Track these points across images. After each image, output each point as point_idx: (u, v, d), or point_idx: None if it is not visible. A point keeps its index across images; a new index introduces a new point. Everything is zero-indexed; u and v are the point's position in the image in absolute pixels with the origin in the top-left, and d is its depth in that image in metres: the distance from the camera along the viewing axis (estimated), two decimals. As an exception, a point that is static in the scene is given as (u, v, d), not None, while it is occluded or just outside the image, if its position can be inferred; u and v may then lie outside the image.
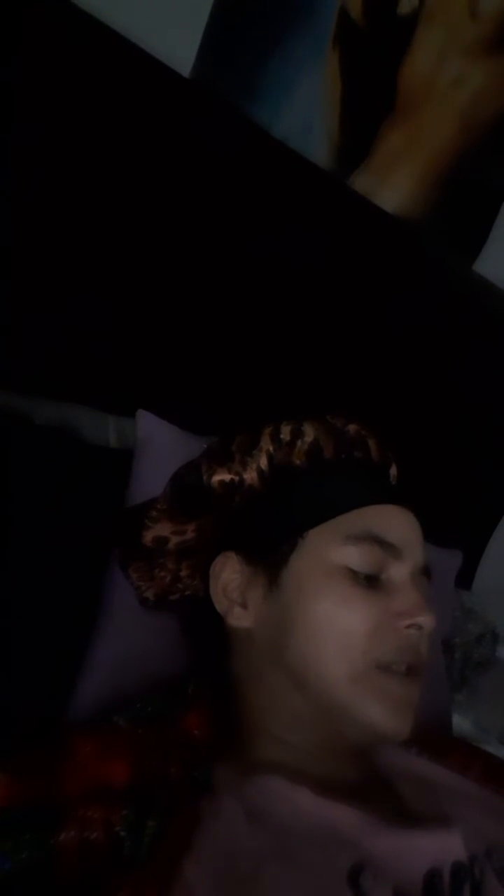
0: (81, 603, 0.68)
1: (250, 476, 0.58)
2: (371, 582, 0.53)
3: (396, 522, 0.56)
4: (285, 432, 0.59)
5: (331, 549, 0.54)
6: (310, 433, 0.59)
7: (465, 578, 1.19)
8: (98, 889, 0.41)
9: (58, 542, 0.69)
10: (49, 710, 0.62)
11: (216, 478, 0.58)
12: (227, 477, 0.58)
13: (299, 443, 0.59)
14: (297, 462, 0.59)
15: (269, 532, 0.57)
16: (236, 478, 0.58)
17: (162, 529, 0.62)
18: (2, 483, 0.68)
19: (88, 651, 0.66)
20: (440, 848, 0.48)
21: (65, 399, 0.80)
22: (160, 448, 0.77)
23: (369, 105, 0.99)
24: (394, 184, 1.04)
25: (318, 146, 0.96)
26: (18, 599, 0.65)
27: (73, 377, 0.82)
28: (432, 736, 0.64)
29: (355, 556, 0.53)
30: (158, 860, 0.42)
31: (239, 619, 0.56)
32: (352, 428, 0.62)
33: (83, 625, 0.68)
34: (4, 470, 0.69)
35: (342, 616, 0.52)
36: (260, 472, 0.58)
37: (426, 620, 0.52)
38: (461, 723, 0.99)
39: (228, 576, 0.58)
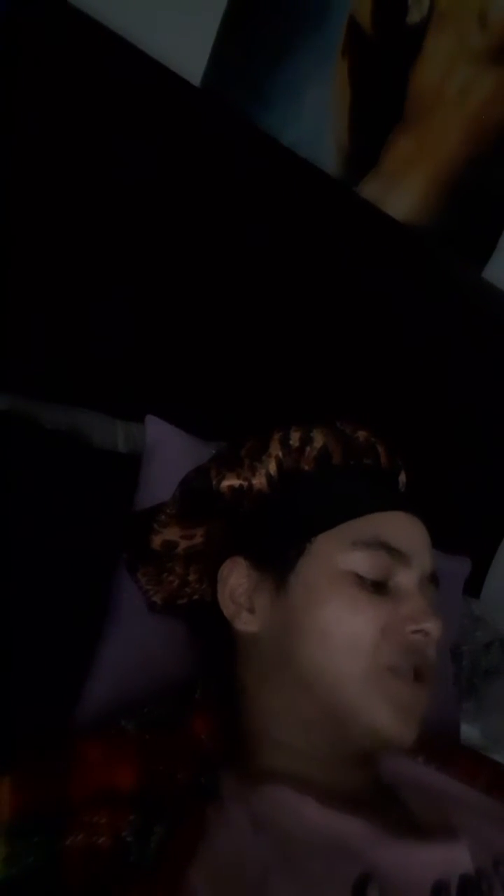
0: (88, 607, 0.68)
1: (259, 481, 0.58)
2: (378, 588, 0.53)
3: (404, 529, 0.56)
4: (294, 438, 0.59)
5: (339, 554, 0.54)
6: (319, 439, 0.59)
7: (473, 586, 1.18)
8: (104, 894, 0.40)
9: (65, 546, 0.69)
10: (56, 715, 0.62)
11: (225, 483, 0.58)
12: (236, 482, 0.58)
13: (308, 448, 0.59)
14: (306, 468, 0.59)
15: (277, 537, 0.57)
16: (245, 483, 0.58)
17: (171, 534, 0.62)
18: (10, 486, 0.68)
19: (95, 656, 0.66)
20: (447, 860, 0.47)
21: (74, 403, 0.80)
22: (168, 453, 0.77)
23: (378, 113, 0.99)
24: (402, 191, 1.04)
25: (327, 154, 0.96)
26: (26, 603, 0.65)
27: (82, 382, 0.82)
28: (439, 745, 0.64)
29: (363, 562, 0.53)
30: (165, 866, 0.42)
31: (246, 623, 0.56)
32: (361, 435, 0.62)
33: (90, 629, 0.68)
34: (13, 473, 0.69)
35: (350, 620, 0.52)
36: (269, 477, 0.58)
37: (433, 626, 0.52)
38: (469, 731, 0.98)
39: (236, 580, 0.58)
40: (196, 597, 0.64)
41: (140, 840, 0.43)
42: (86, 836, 0.42)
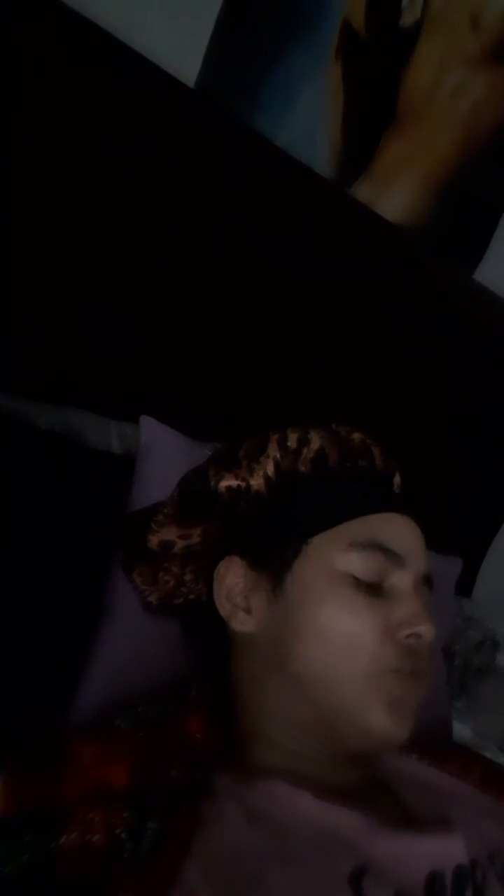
0: (83, 607, 0.68)
1: (257, 482, 0.58)
2: (373, 589, 0.53)
3: (400, 531, 0.57)
4: (292, 439, 0.59)
5: (335, 555, 0.54)
6: (315, 441, 0.60)
7: (465, 585, 1.19)
8: (99, 891, 0.41)
9: (60, 546, 0.69)
10: (51, 714, 0.62)
11: (223, 483, 0.58)
12: (234, 483, 0.58)
13: (305, 450, 0.59)
14: (303, 469, 0.59)
15: (273, 537, 0.57)
16: (243, 484, 0.58)
17: (168, 533, 0.62)
18: (4, 487, 0.68)
19: (90, 655, 0.66)
20: (442, 851, 0.48)
21: (68, 404, 0.80)
22: (163, 454, 0.78)
23: (371, 115, 1.00)
24: (395, 193, 1.05)
25: (321, 155, 0.97)
26: (21, 604, 0.65)
27: (76, 382, 0.82)
28: (432, 743, 0.64)
29: (359, 563, 0.53)
30: (159, 862, 0.42)
31: (242, 623, 0.56)
32: (356, 437, 0.62)
33: (85, 629, 0.68)
34: (7, 474, 0.69)
35: (346, 621, 0.52)
36: (266, 478, 0.58)
37: (426, 630, 0.52)
38: (461, 730, 0.98)
39: (232, 580, 0.58)
40: (192, 596, 0.65)
41: (134, 836, 0.43)
42: (80, 833, 0.43)
